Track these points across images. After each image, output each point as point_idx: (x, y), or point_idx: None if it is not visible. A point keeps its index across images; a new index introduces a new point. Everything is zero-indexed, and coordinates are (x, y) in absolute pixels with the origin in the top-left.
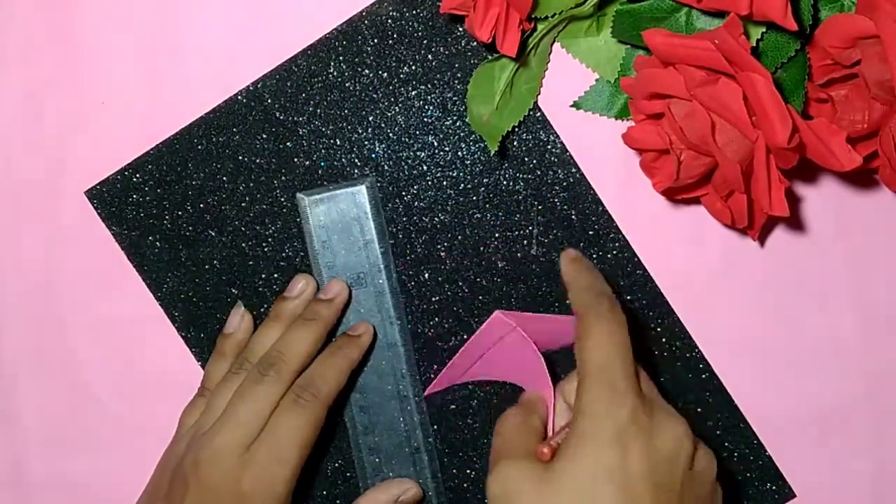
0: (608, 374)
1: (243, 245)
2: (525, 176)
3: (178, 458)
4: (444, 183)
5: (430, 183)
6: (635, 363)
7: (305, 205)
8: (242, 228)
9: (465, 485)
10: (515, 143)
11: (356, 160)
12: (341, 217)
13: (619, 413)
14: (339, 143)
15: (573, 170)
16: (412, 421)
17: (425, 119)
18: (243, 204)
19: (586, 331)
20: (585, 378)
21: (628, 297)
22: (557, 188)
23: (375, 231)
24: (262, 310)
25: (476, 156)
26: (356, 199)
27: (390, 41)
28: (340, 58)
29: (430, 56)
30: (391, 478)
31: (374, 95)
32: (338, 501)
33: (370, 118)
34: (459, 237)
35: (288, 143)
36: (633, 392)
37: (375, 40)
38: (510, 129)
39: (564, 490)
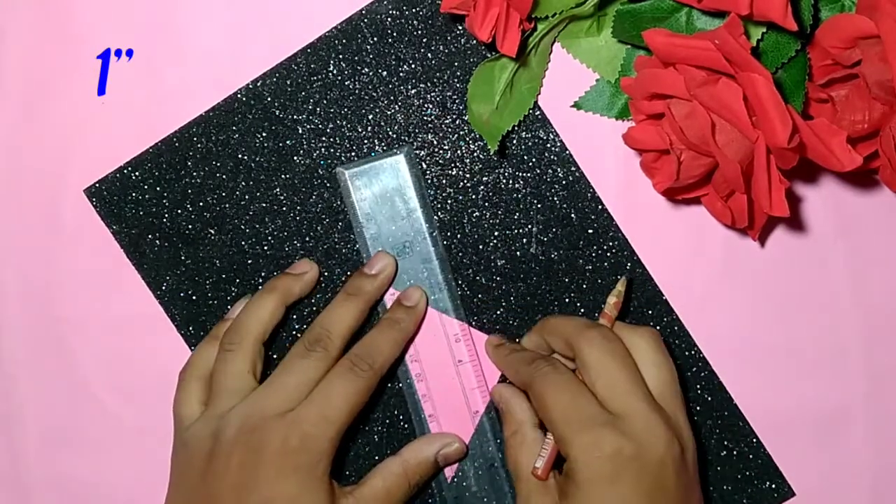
0: (575, 422)
1: (243, 244)
2: (524, 175)
3: (207, 438)
4: (444, 181)
5: (429, 181)
6: (590, 392)
7: (346, 178)
8: (242, 227)
9: None
10: (515, 142)
11: (355, 158)
12: (383, 188)
13: (602, 450)
14: (338, 141)
15: (573, 169)
16: (470, 384)
17: (425, 117)
18: (243, 202)
19: (539, 395)
20: (558, 433)
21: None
22: (557, 187)
23: (418, 199)
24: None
25: (475, 154)
26: (396, 169)
27: (390, 40)
28: (340, 56)
29: (429, 55)
30: None
31: (374, 94)
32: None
33: (370, 117)
34: (459, 235)
35: (288, 142)
36: (606, 425)
37: (375, 39)
38: (510, 129)
39: None
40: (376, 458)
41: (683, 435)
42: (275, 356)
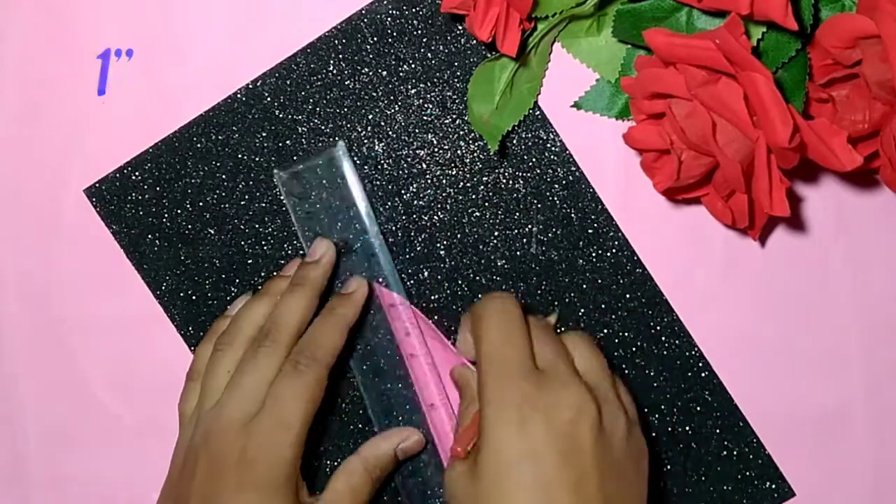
0: (500, 360)
1: (243, 243)
2: (524, 175)
3: (187, 441)
4: (444, 181)
5: (429, 181)
6: (529, 339)
7: (282, 181)
8: (242, 227)
9: None
10: (515, 142)
11: (355, 158)
12: (320, 187)
13: (512, 396)
14: (338, 141)
15: (573, 168)
16: (423, 379)
17: (425, 117)
18: (243, 202)
19: (477, 322)
20: (480, 368)
21: (628, 297)
22: (557, 187)
23: (356, 194)
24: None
25: (475, 154)
26: (331, 167)
27: (390, 39)
28: (340, 56)
29: (429, 54)
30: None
31: (374, 94)
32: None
33: (369, 116)
34: (459, 236)
35: (287, 142)
36: (525, 372)
37: (375, 39)
38: (510, 129)
39: (488, 482)
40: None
41: (610, 407)
42: None
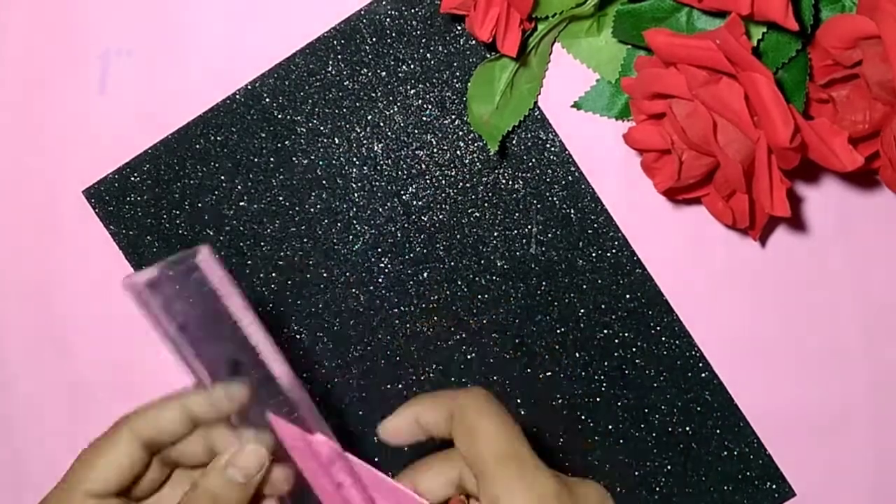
0: (515, 459)
1: (241, 244)
2: (524, 175)
3: None
4: (443, 182)
5: (428, 182)
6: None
7: (140, 291)
8: (240, 228)
9: None
10: (514, 142)
11: (354, 159)
12: (192, 299)
13: (543, 493)
14: (337, 141)
15: (572, 169)
16: None
17: (424, 118)
18: (241, 203)
19: (472, 424)
20: (489, 473)
21: (628, 297)
22: (557, 187)
23: (235, 306)
24: (259, 311)
25: (475, 155)
26: (199, 275)
27: (389, 40)
28: (339, 56)
29: (428, 55)
30: None
31: (373, 94)
32: None
33: (368, 117)
34: (458, 236)
35: (286, 142)
36: (543, 467)
37: (374, 39)
38: (510, 129)
39: None
40: None
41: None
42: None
